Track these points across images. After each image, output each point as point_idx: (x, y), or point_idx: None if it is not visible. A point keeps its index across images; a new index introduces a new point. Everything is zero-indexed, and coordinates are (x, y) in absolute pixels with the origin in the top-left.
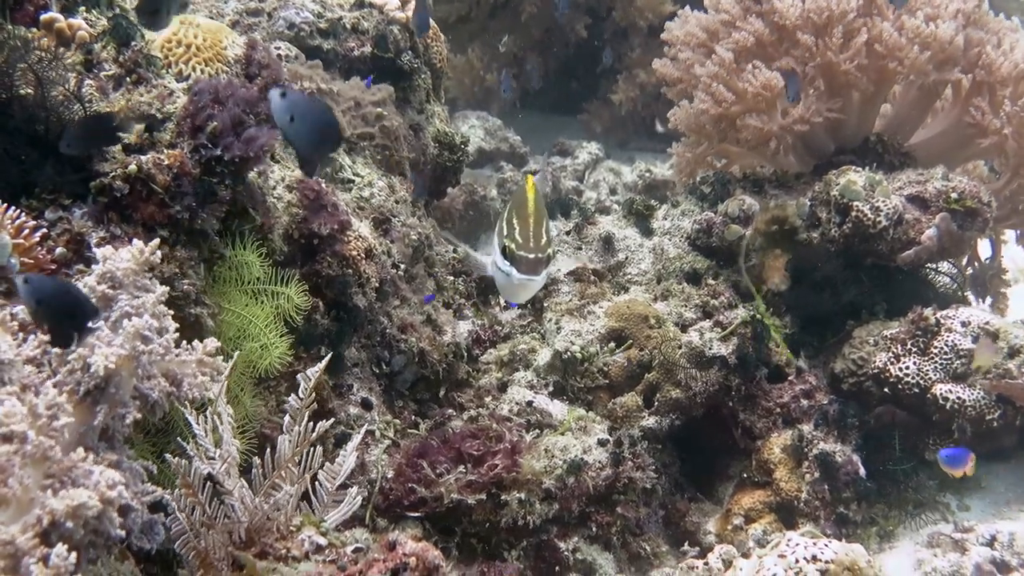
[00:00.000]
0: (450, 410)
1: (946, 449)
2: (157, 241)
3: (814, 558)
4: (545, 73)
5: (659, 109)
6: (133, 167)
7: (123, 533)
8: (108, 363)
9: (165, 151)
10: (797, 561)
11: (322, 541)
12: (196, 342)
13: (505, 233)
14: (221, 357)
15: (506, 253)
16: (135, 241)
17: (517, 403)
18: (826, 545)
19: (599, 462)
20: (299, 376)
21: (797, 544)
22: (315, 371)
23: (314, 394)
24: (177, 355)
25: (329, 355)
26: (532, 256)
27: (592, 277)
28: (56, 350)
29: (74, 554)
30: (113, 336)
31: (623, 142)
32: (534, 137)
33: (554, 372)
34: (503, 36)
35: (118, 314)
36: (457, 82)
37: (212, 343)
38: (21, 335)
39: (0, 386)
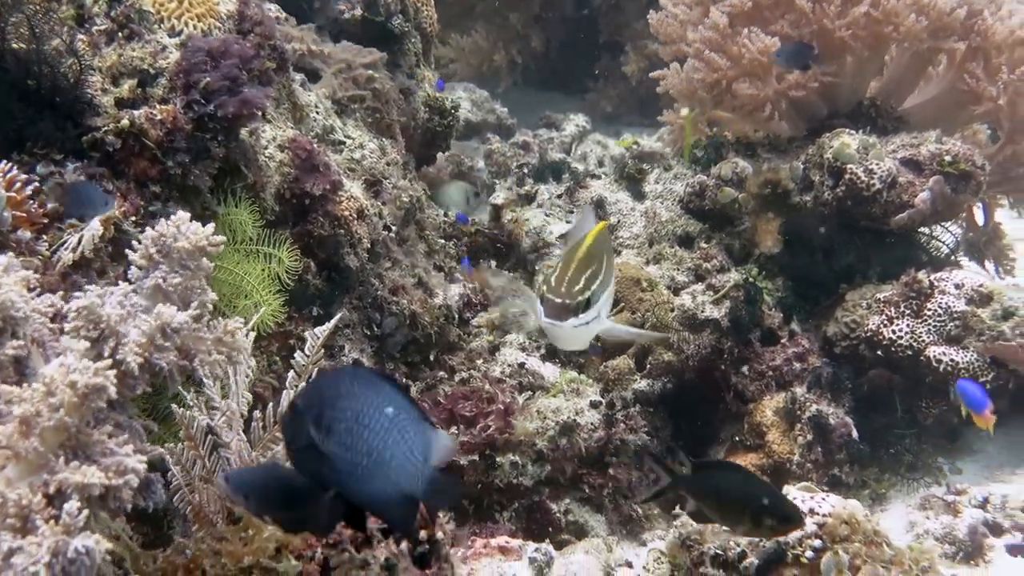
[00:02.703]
0: (441, 372)
1: (966, 381)
2: (211, 229)
3: (812, 511)
4: (546, 48)
5: (647, 84)
6: (125, 122)
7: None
8: (136, 359)
9: (158, 106)
10: None
11: None
12: (219, 319)
13: (545, 276)
14: (243, 333)
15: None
16: (195, 226)
17: (509, 365)
18: (823, 499)
19: (591, 424)
20: (307, 333)
21: (794, 498)
22: (324, 329)
23: (321, 351)
24: (195, 330)
25: (338, 316)
26: (558, 301)
27: None
28: (72, 306)
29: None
30: (137, 320)
31: (611, 118)
32: (526, 112)
33: (546, 334)
34: (508, 15)
35: (152, 283)
36: (465, 63)
37: (235, 323)
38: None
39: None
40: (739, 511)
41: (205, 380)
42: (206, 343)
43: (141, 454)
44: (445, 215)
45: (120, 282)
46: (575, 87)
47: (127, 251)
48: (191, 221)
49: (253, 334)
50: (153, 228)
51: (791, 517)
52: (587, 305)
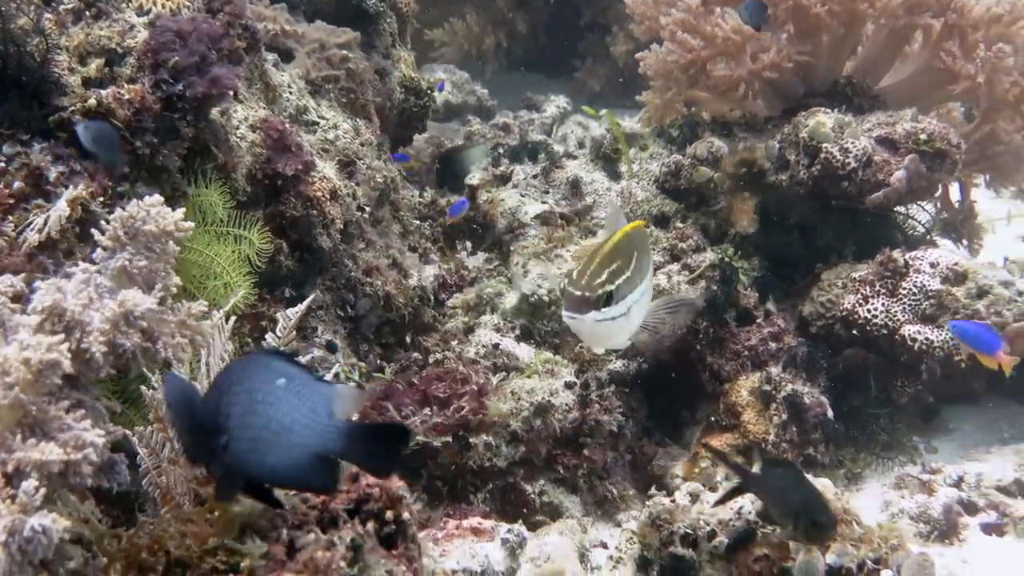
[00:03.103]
0: (416, 354)
1: (962, 323)
2: (181, 214)
3: None
4: (531, 31)
5: (631, 65)
6: (93, 101)
7: (89, 481)
8: (100, 348)
9: (126, 86)
10: None
11: None
12: (184, 302)
13: (567, 272)
14: (210, 322)
15: (561, 290)
16: (165, 210)
17: (484, 346)
18: None
19: (566, 404)
20: (279, 315)
21: None
22: (296, 310)
23: (293, 332)
24: (159, 313)
25: (311, 297)
26: (577, 293)
27: (560, 221)
28: (36, 305)
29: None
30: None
31: (593, 99)
32: (510, 94)
33: (521, 316)
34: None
35: (118, 265)
36: (457, 47)
37: (200, 306)
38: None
39: None
40: (785, 514)
41: (173, 362)
42: (170, 326)
43: (101, 431)
44: (421, 195)
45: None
46: (560, 69)
47: (94, 231)
48: (161, 204)
49: (232, 319)
50: (123, 209)
51: (822, 524)
52: (609, 299)
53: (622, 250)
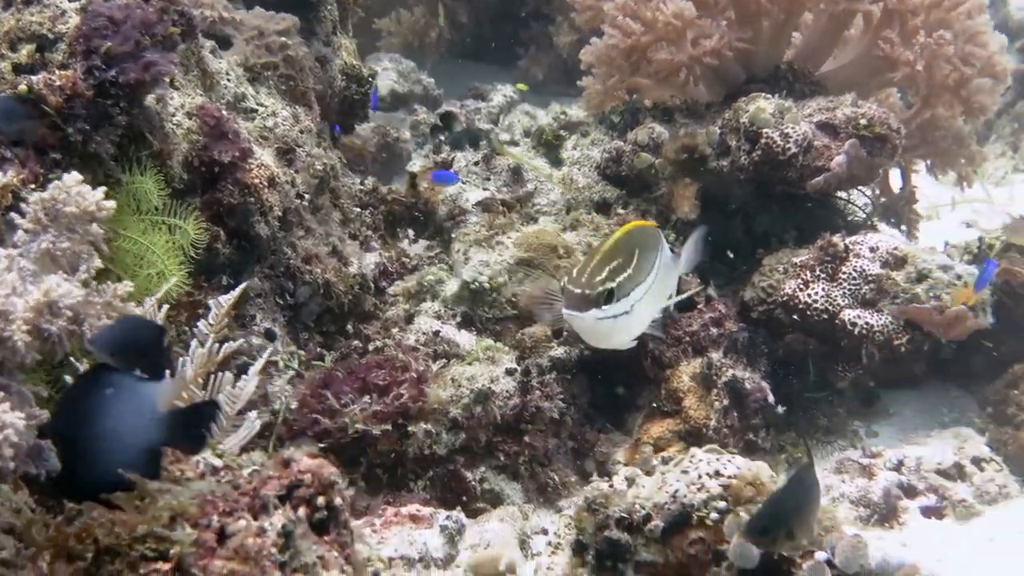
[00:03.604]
0: (356, 342)
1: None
2: (102, 193)
3: (717, 473)
4: (475, 21)
5: (574, 55)
6: (23, 87)
7: (12, 465)
8: (23, 337)
9: (57, 72)
10: (700, 477)
11: (218, 463)
12: (109, 284)
13: (567, 269)
14: (136, 304)
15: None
16: (85, 189)
17: (424, 333)
18: (729, 461)
19: (507, 391)
20: (211, 301)
21: (700, 460)
22: (228, 297)
23: (226, 319)
24: (85, 295)
25: (244, 284)
26: (577, 291)
27: (501, 208)
28: None
29: None
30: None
31: (538, 88)
32: (457, 84)
33: (462, 303)
34: None
35: (41, 248)
36: (403, 38)
37: (125, 287)
38: None
39: None
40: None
41: None
42: (96, 308)
43: (22, 414)
44: (362, 183)
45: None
46: (506, 58)
47: (13, 215)
48: (82, 184)
49: (166, 307)
50: (43, 191)
51: (757, 529)
52: (610, 297)
53: (622, 247)
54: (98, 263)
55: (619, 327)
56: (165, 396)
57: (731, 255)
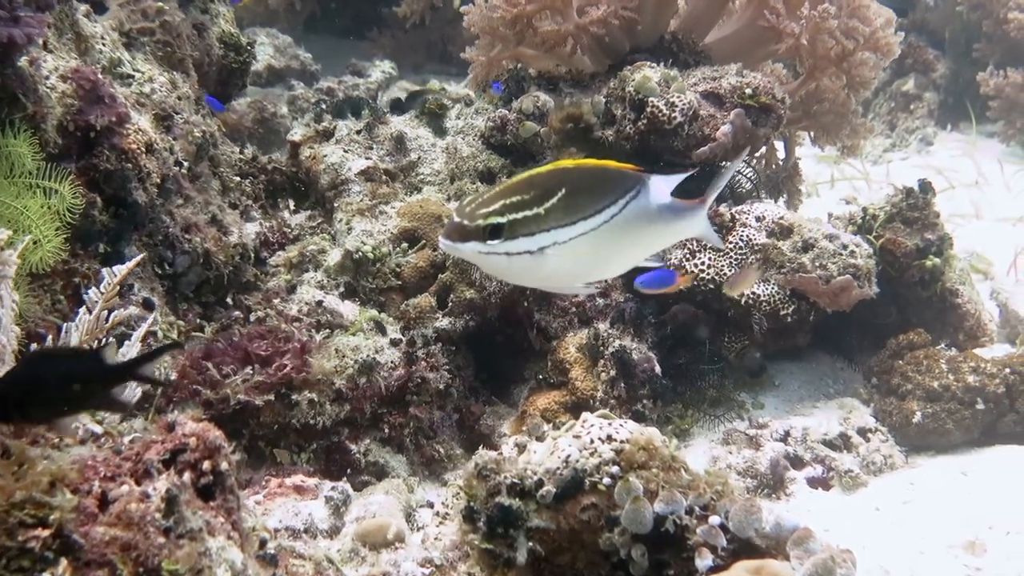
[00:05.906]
0: (237, 312)
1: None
2: None
3: (609, 438)
4: None
5: (451, 34)
6: None
7: None
8: None
9: None
10: (592, 441)
11: (98, 430)
12: None
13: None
14: (11, 251)
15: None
16: None
17: (307, 303)
18: (621, 425)
19: (391, 362)
20: (104, 271)
21: (592, 425)
22: (122, 268)
23: (117, 288)
24: None
25: (139, 256)
26: (457, 220)
27: (384, 177)
28: None
29: None
30: None
31: (417, 66)
32: (328, 60)
33: (345, 273)
34: None
35: None
36: (265, 8)
37: (2, 233)
38: None
39: None
40: None
41: None
42: None
43: None
44: (242, 151)
45: None
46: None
47: None
48: None
49: (17, 261)
50: None
51: None
52: (496, 232)
53: (538, 184)
54: None
55: (519, 268)
56: None
57: None
